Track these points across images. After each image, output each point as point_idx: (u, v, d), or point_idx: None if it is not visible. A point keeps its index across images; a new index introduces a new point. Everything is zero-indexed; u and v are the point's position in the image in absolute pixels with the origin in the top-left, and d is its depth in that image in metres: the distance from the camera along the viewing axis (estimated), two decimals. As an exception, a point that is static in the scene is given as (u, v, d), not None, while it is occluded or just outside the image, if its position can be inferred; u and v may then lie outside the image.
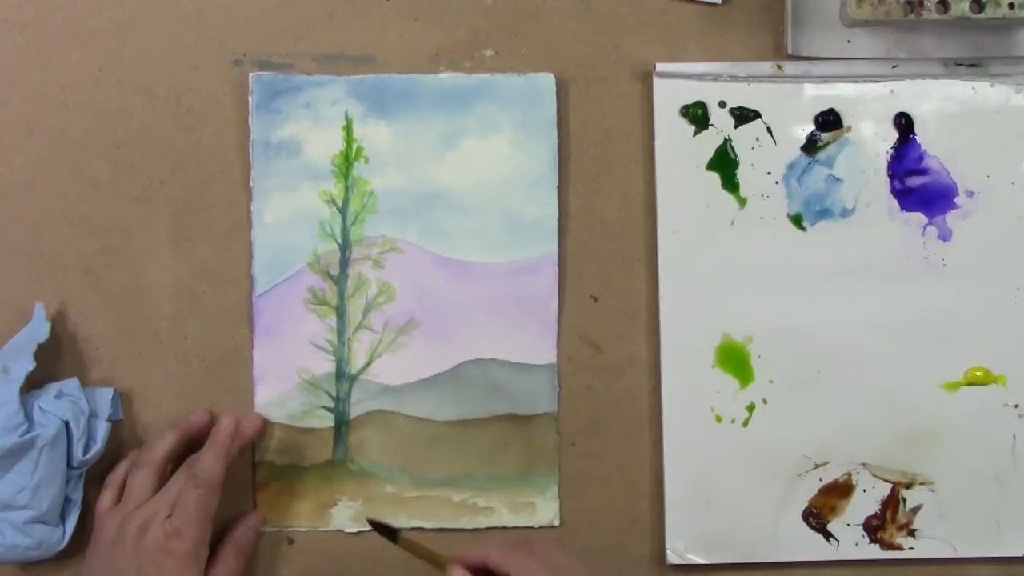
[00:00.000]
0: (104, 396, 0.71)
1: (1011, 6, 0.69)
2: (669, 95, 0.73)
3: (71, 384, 0.71)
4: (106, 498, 0.70)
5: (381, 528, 0.67)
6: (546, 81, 0.73)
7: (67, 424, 0.69)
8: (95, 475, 0.71)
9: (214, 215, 0.73)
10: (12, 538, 0.68)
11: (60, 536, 0.70)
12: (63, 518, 0.70)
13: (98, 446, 0.70)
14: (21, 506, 0.68)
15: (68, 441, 0.69)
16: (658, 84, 0.73)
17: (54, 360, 0.72)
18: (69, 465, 0.69)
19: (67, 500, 0.70)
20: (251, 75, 0.72)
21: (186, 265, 0.73)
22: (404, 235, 0.73)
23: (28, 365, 0.69)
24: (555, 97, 0.73)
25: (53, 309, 0.72)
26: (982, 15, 0.69)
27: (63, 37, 0.73)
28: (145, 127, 0.73)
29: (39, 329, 0.70)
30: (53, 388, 0.70)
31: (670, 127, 0.73)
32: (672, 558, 0.73)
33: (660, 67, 0.73)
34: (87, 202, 0.73)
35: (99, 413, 0.71)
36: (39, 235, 0.73)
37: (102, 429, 0.70)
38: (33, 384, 0.70)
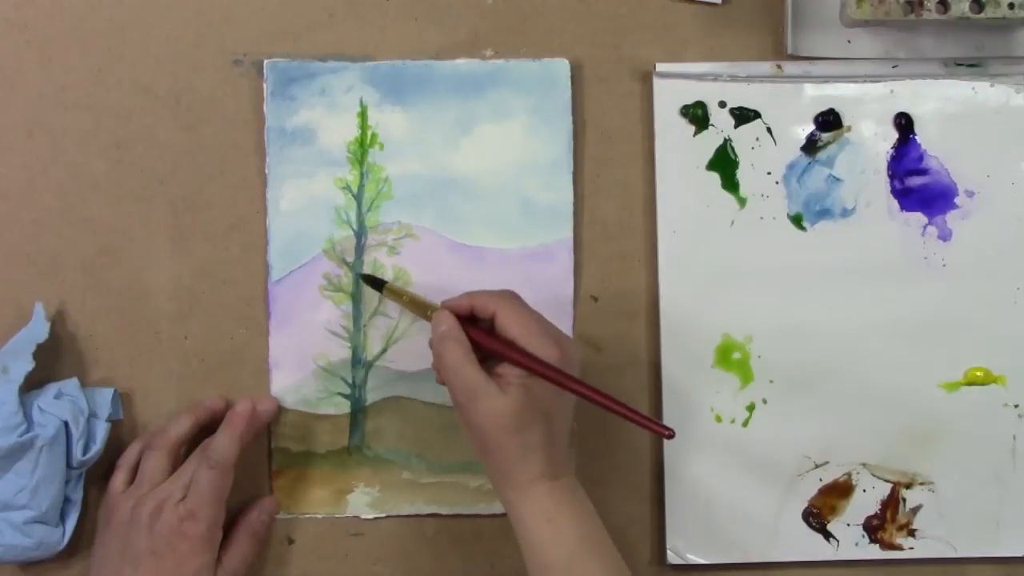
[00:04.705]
0: (104, 396, 0.71)
1: (1011, 6, 0.69)
2: (669, 95, 0.73)
3: (71, 384, 0.71)
4: (119, 479, 0.70)
5: (370, 280, 0.72)
6: (560, 66, 0.73)
7: (66, 424, 0.69)
8: (95, 475, 0.71)
9: (214, 215, 0.73)
10: (12, 538, 0.68)
11: (60, 536, 0.70)
12: (63, 518, 0.70)
13: (98, 446, 0.70)
14: (21, 506, 0.68)
15: (68, 441, 0.69)
16: (658, 84, 0.73)
17: (54, 360, 0.72)
18: (69, 465, 0.69)
19: (67, 500, 0.70)
20: (266, 62, 0.72)
21: (186, 265, 0.73)
22: (419, 221, 0.73)
23: (27, 365, 0.68)
24: (569, 82, 0.73)
25: (53, 309, 0.72)
26: (982, 15, 0.69)
27: (63, 37, 0.73)
28: (145, 127, 0.73)
29: (38, 329, 0.70)
30: (53, 388, 0.70)
31: (670, 127, 0.73)
32: (672, 558, 0.73)
33: (660, 67, 0.73)
34: (87, 202, 0.73)
35: (99, 413, 0.71)
36: (39, 235, 0.73)
37: (102, 429, 0.70)
38: (33, 384, 0.70)
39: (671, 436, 0.63)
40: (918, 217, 0.74)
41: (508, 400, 0.62)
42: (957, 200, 0.74)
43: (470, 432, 0.64)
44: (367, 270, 0.73)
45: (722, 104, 0.73)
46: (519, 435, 0.62)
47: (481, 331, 0.65)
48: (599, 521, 0.64)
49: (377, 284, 0.72)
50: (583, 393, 0.63)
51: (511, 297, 0.66)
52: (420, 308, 0.69)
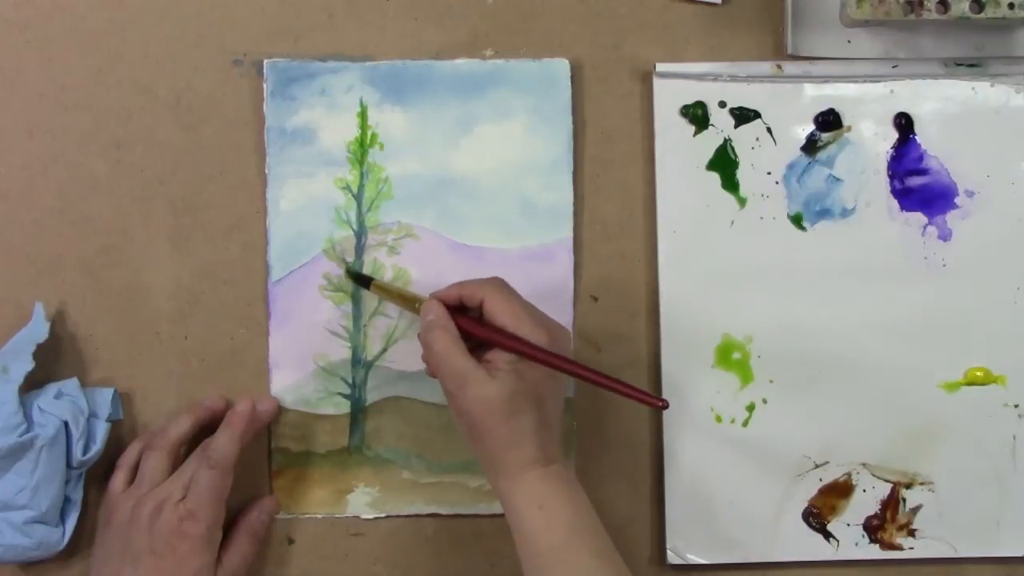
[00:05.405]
0: (104, 396, 0.71)
1: (1011, 6, 0.69)
2: (669, 95, 0.73)
3: (71, 384, 0.71)
4: (119, 479, 0.70)
5: (356, 277, 0.72)
6: (560, 66, 0.73)
7: (66, 424, 0.69)
8: (95, 475, 0.71)
9: (214, 215, 0.73)
10: (12, 538, 0.68)
11: (60, 536, 0.70)
12: (63, 518, 0.70)
13: (98, 446, 0.70)
14: (21, 506, 0.68)
15: (68, 441, 0.69)
16: (658, 84, 0.73)
17: (54, 360, 0.72)
18: (69, 465, 0.69)
19: (67, 500, 0.70)
20: (266, 62, 0.72)
21: (185, 265, 0.73)
22: (419, 221, 0.73)
23: (27, 365, 0.68)
24: (569, 82, 0.73)
25: (53, 309, 0.72)
26: (982, 15, 0.69)
27: (63, 37, 0.73)
28: (145, 127, 0.73)
29: (38, 329, 0.70)
30: (52, 388, 0.70)
31: (670, 127, 0.73)
32: (672, 558, 0.73)
33: (660, 67, 0.73)
34: (87, 202, 0.73)
35: (99, 413, 0.71)
36: (39, 235, 0.73)
37: (102, 429, 0.70)
38: (33, 384, 0.70)
39: (665, 407, 0.63)
40: (918, 217, 0.74)
41: (498, 385, 0.62)
42: (957, 200, 0.74)
43: (461, 420, 0.64)
44: (367, 270, 0.73)
45: (722, 104, 0.73)
46: (510, 421, 0.62)
47: (470, 319, 0.65)
48: (591, 507, 0.64)
49: (364, 281, 0.72)
50: (574, 371, 0.63)
51: (498, 284, 0.66)
52: (408, 302, 0.69)
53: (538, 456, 0.63)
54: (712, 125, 0.73)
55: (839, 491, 0.74)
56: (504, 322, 0.63)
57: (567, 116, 0.73)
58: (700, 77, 0.73)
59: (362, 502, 0.73)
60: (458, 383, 0.63)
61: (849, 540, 0.73)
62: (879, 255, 0.73)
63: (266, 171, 0.73)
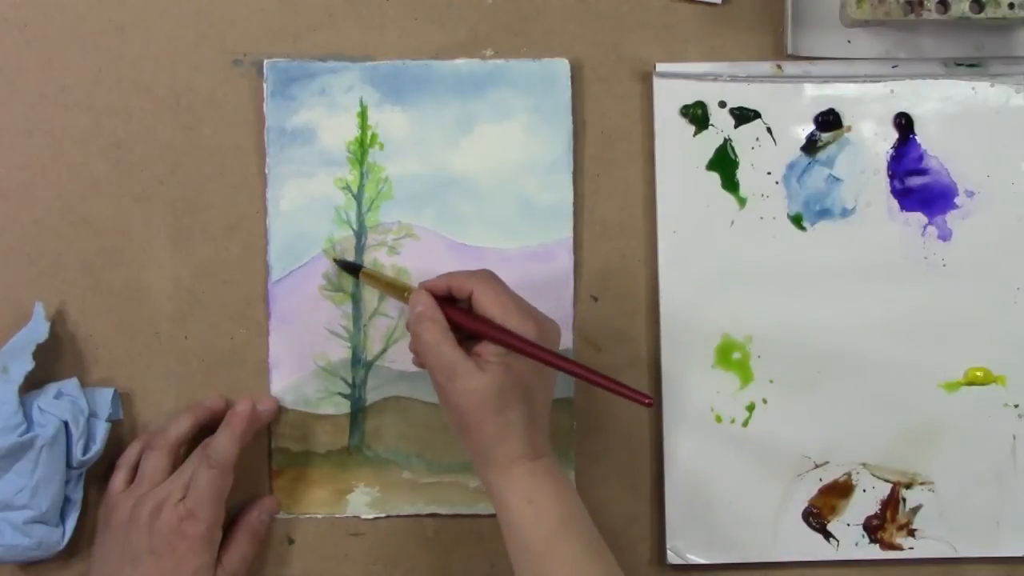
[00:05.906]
0: (104, 396, 0.71)
1: (1011, 6, 0.69)
2: (669, 95, 0.73)
3: (71, 384, 0.71)
4: (119, 479, 0.70)
5: (345, 266, 0.72)
6: (560, 66, 0.73)
7: (66, 424, 0.69)
8: (95, 475, 0.71)
9: (214, 215, 0.73)
10: (12, 538, 0.68)
11: (60, 536, 0.70)
12: (63, 518, 0.70)
13: (98, 446, 0.70)
14: (20, 506, 0.68)
15: (68, 441, 0.69)
16: (658, 84, 0.73)
17: (54, 360, 0.72)
18: (69, 465, 0.69)
19: (67, 500, 0.70)
20: (266, 62, 0.72)
21: (186, 265, 0.73)
22: (419, 221, 0.73)
23: (27, 365, 0.69)
24: (569, 82, 0.73)
25: (53, 309, 0.72)
26: (982, 15, 0.69)
27: (63, 37, 0.73)
28: (145, 127, 0.73)
29: (38, 329, 0.70)
30: (52, 388, 0.70)
31: (670, 127, 0.73)
32: (672, 558, 0.73)
33: (660, 67, 0.73)
34: (87, 202, 0.73)
35: (99, 413, 0.71)
36: (39, 235, 0.73)
37: (102, 429, 0.70)
38: (33, 384, 0.70)
39: (650, 404, 0.63)
40: (918, 217, 0.74)
41: (487, 378, 0.62)
42: (957, 200, 0.74)
43: (450, 413, 0.64)
44: None
45: (722, 104, 0.73)
46: (499, 415, 0.62)
47: (459, 310, 0.65)
48: (579, 500, 0.65)
49: (353, 269, 0.72)
50: (561, 366, 0.63)
51: (488, 276, 0.66)
52: (398, 291, 0.69)
53: (526, 450, 0.63)
54: (712, 125, 0.73)
55: (839, 491, 0.74)
56: (493, 314, 0.63)
57: (567, 116, 0.73)
58: (700, 77, 0.73)
59: (362, 502, 0.73)
60: (447, 375, 0.63)
61: (849, 540, 0.73)
62: (879, 255, 0.73)
63: (266, 171, 0.73)
